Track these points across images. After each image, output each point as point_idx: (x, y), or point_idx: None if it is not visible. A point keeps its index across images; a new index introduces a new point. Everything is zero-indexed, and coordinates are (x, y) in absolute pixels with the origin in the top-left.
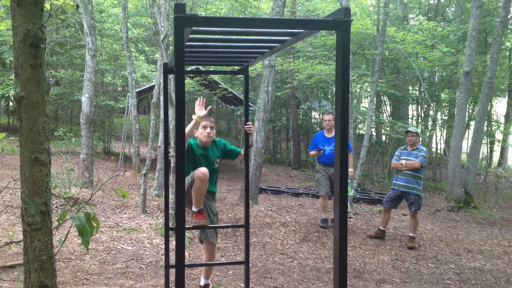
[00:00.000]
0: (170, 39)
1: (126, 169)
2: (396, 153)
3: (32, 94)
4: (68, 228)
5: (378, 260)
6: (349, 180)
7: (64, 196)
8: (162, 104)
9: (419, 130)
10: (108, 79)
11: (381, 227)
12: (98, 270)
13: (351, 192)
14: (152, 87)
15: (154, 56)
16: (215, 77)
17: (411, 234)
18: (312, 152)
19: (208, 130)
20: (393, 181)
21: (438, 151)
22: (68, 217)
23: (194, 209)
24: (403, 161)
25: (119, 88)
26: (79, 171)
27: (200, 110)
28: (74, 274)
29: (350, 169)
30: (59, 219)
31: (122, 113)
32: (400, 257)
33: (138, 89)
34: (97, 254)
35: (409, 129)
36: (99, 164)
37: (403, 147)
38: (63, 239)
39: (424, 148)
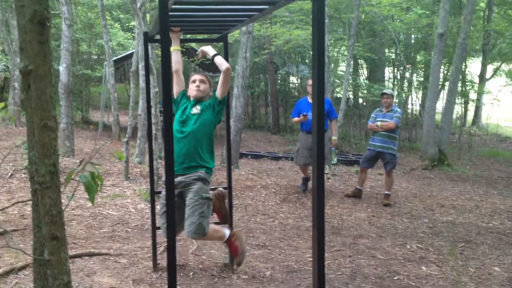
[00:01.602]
0: (147, 6)
1: (106, 137)
2: (371, 115)
3: (40, 67)
4: (75, 187)
5: (355, 217)
6: (333, 148)
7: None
8: (141, 72)
9: (394, 92)
10: (84, 48)
11: (358, 187)
12: (85, 234)
13: (334, 160)
14: (129, 56)
15: (130, 24)
16: (193, 45)
17: (386, 192)
18: (295, 119)
19: (197, 83)
20: (369, 142)
21: (414, 112)
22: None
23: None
24: (379, 123)
25: (95, 57)
26: (60, 141)
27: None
28: None
29: (334, 137)
30: (66, 178)
31: (99, 82)
32: (376, 213)
33: (115, 58)
34: (83, 220)
35: (384, 91)
36: (78, 133)
37: (378, 109)
38: (71, 196)
39: (399, 109)
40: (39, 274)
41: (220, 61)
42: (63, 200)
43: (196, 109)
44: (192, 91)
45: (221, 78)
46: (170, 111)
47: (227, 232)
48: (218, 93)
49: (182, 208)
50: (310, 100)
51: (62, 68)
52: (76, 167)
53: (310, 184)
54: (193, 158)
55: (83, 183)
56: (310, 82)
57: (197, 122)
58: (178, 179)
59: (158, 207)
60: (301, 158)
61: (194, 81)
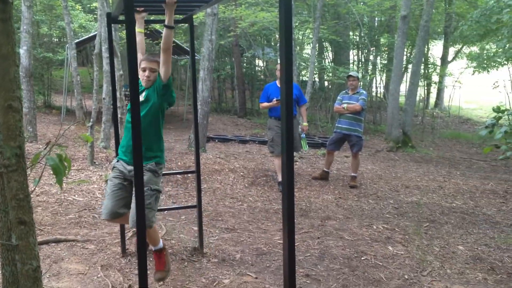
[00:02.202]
0: None
1: (70, 122)
2: (338, 97)
3: (3, 46)
4: (42, 170)
5: (323, 199)
6: (303, 135)
7: None
8: (104, 55)
9: (359, 75)
10: (45, 30)
11: (324, 169)
12: (51, 221)
13: (305, 148)
14: (91, 38)
15: (92, 5)
16: (157, 27)
17: (353, 174)
18: (264, 104)
19: (147, 73)
20: (336, 125)
21: (378, 95)
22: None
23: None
24: (345, 105)
25: (56, 40)
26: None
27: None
28: None
29: (304, 123)
30: (33, 160)
31: (61, 65)
32: (343, 195)
33: (77, 40)
34: (48, 206)
35: (350, 73)
36: (40, 118)
37: (344, 91)
38: (37, 179)
39: (365, 92)
40: (7, 260)
41: (166, 36)
42: (29, 184)
43: (140, 97)
44: (143, 80)
45: (161, 58)
46: (137, 94)
47: (161, 242)
48: (161, 75)
49: (129, 193)
50: (279, 85)
51: (22, 51)
52: (43, 150)
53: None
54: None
55: (50, 166)
56: (279, 66)
57: (142, 112)
58: (129, 167)
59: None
60: (277, 147)
61: (144, 69)
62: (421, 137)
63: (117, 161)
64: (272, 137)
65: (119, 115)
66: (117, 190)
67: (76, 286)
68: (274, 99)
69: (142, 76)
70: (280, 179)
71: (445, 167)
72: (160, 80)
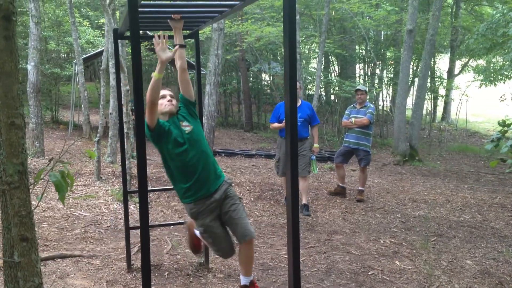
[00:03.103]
0: (116, 3)
1: (77, 137)
2: (346, 112)
3: (6, 63)
4: (44, 187)
5: (329, 213)
6: (313, 157)
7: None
8: (111, 70)
9: (367, 88)
10: (52, 46)
11: (339, 184)
12: (57, 236)
13: (315, 171)
14: (98, 53)
15: (99, 21)
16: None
17: (360, 188)
18: (275, 125)
19: (168, 98)
20: (344, 139)
21: (385, 109)
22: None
23: (243, 281)
24: (353, 119)
25: (64, 55)
26: (29, 141)
27: (163, 50)
28: None
29: (316, 145)
30: (36, 177)
31: (69, 81)
32: (350, 209)
33: (84, 56)
34: (54, 222)
35: (358, 87)
36: (48, 133)
37: (352, 105)
38: (40, 196)
39: (372, 105)
40: (10, 277)
41: (183, 55)
42: (33, 202)
43: (186, 126)
44: (166, 106)
45: (187, 78)
46: (142, 109)
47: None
48: (191, 94)
49: (223, 229)
50: None
51: (30, 67)
52: (46, 166)
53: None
54: (214, 171)
55: (52, 182)
56: None
57: (197, 136)
58: (213, 199)
59: (130, 207)
60: (283, 169)
61: (164, 96)
62: (428, 151)
63: (195, 203)
64: (279, 157)
65: (125, 130)
66: (223, 229)
67: None
68: (284, 120)
69: (164, 102)
70: (303, 201)
71: (452, 180)
72: (191, 100)
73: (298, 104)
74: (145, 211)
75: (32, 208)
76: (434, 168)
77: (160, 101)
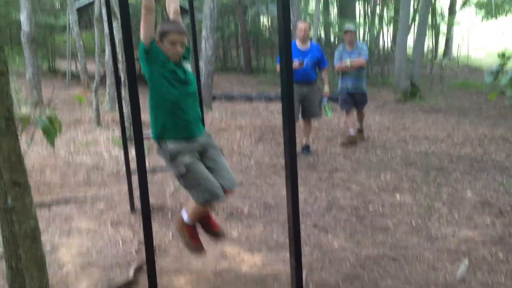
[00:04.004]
0: None
1: (75, 86)
2: (335, 55)
3: None
4: (33, 132)
5: (330, 152)
6: (325, 100)
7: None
8: (105, 18)
9: (356, 28)
10: None
11: (351, 133)
12: (60, 182)
13: (329, 114)
14: (92, 2)
15: None
16: None
17: (360, 126)
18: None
19: (178, 47)
20: (339, 85)
21: (386, 47)
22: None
23: (186, 219)
24: (348, 61)
25: (58, 6)
26: (27, 91)
27: None
28: (36, 188)
29: (326, 88)
30: (23, 124)
31: (64, 30)
32: (351, 148)
33: (79, 6)
34: (57, 168)
35: (347, 28)
36: (46, 83)
37: (341, 47)
38: (29, 142)
39: (364, 44)
40: (6, 221)
41: (174, 1)
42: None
43: (189, 66)
44: (174, 55)
45: (180, 22)
46: (132, 57)
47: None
48: (186, 38)
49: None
50: (300, 46)
51: (23, 17)
52: (32, 112)
53: (308, 144)
54: (200, 118)
55: (40, 128)
56: (301, 25)
57: (193, 78)
58: (196, 142)
59: (132, 153)
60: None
61: (173, 43)
62: (429, 88)
63: (176, 141)
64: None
65: (122, 78)
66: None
67: (86, 243)
68: (295, 61)
69: (171, 49)
70: (304, 142)
71: (454, 116)
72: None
73: (307, 46)
74: (142, 155)
75: (23, 154)
76: (435, 105)
77: (167, 46)
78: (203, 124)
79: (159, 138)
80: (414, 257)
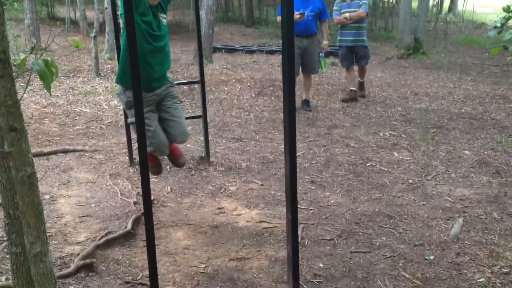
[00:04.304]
0: None
1: (74, 33)
2: (334, 8)
3: None
4: (29, 76)
5: (330, 108)
6: (322, 54)
7: (14, 64)
8: None
9: None
10: None
11: (351, 88)
12: (59, 132)
13: (325, 69)
14: None
15: None
16: None
17: (352, 88)
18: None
19: None
20: (338, 38)
21: (390, 0)
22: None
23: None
24: (347, 14)
25: None
26: (26, 38)
27: None
28: (35, 137)
29: (325, 42)
30: (19, 66)
31: None
32: (351, 104)
33: None
34: (56, 118)
35: None
36: (44, 30)
37: (339, 0)
38: (25, 86)
39: None
40: (3, 167)
41: None
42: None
43: (163, 18)
44: None
45: None
46: (130, 4)
47: None
48: None
49: (158, 124)
50: None
51: None
52: (28, 55)
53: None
54: (165, 72)
55: (36, 71)
56: None
57: (166, 33)
58: (154, 93)
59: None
60: (296, 67)
61: None
62: (433, 43)
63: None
64: None
65: (121, 25)
66: (158, 125)
67: (85, 194)
68: (296, 13)
69: None
70: (304, 97)
71: (456, 73)
72: None
73: None
74: (140, 106)
75: (19, 98)
76: (438, 61)
77: None
78: (167, 76)
79: (120, 83)
80: (409, 214)
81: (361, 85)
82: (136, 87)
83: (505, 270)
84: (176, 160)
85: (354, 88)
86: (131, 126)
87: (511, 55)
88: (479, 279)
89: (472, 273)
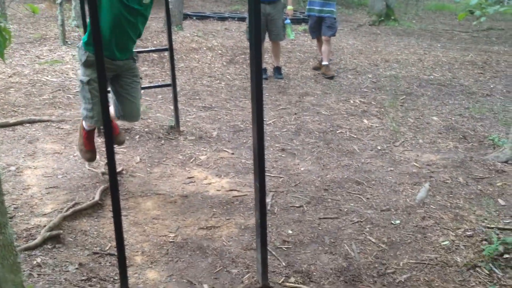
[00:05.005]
0: None
1: (41, 0)
2: None
3: None
4: None
5: (301, 76)
6: (287, 20)
7: None
8: None
9: None
10: None
11: (324, 62)
12: (25, 102)
13: (291, 35)
14: None
15: None
16: None
17: (324, 63)
18: None
19: None
20: (308, 7)
21: None
22: None
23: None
24: None
25: None
26: None
27: None
28: (0, 107)
29: (289, 7)
30: None
31: None
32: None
33: None
34: (21, 87)
35: None
36: None
37: None
38: None
39: None
40: None
41: None
42: None
43: None
44: None
45: None
46: None
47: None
48: None
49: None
50: None
51: None
52: None
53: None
54: (132, 47)
55: None
56: None
57: (147, 13)
58: (115, 64)
59: None
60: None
61: None
62: (404, 10)
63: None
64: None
65: None
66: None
67: (52, 165)
68: None
69: None
70: (275, 65)
71: (426, 39)
72: None
73: None
74: (103, 74)
75: None
76: (409, 28)
77: None
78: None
79: (86, 43)
80: (377, 180)
81: (326, 66)
82: (99, 57)
83: (468, 233)
84: (116, 137)
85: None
86: (79, 84)
87: (477, 19)
88: (443, 242)
89: (436, 236)
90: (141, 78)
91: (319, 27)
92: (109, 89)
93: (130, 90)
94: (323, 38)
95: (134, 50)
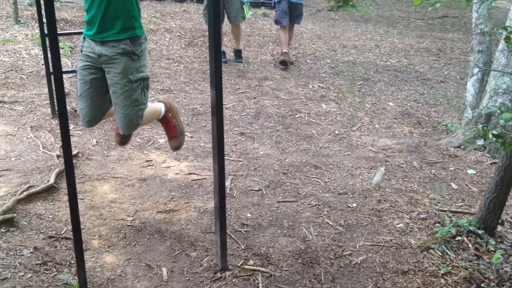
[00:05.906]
0: None
1: None
2: None
3: None
4: None
5: (261, 60)
6: (245, 0)
7: None
8: None
9: None
10: None
11: (284, 50)
12: None
13: (248, 15)
14: None
15: None
16: None
17: (285, 51)
18: None
19: None
20: None
21: None
22: None
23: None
24: None
25: None
26: None
27: None
28: None
29: None
30: None
31: None
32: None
33: None
34: None
35: None
36: None
37: None
38: None
39: None
40: None
41: None
42: None
43: None
44: None
45: None
46: None
47: (162, 107)
48: None
49: (98, 90)
50: None
51: None
52: None
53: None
54: (122, 20)
55: None
56: None
57: None
58: (98, 49)
59: None
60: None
61: None
62: None
63: (84, 40)
64: (206, 4)
65: None
66: (91, 89)
67: (5, 147)
68: None
69: None
70: (235, 47)
71: (383, 26)
72: None
73: None
74: (57, 55)
75: None
76: (366, 14)
77: None
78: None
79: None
80: (334, 164)
81: (285, 53)
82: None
83: (422, 216)
84: (117, 135)
85: (286, 51)
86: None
87: (432, 5)
88: (398, 224)
89: (391, 219)
90: (132, 81)
91: (289, 14)
92: None
93: (116, 99)
94: (288, 27)
95: None
